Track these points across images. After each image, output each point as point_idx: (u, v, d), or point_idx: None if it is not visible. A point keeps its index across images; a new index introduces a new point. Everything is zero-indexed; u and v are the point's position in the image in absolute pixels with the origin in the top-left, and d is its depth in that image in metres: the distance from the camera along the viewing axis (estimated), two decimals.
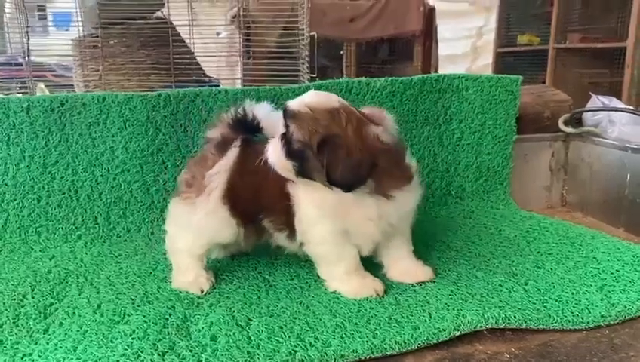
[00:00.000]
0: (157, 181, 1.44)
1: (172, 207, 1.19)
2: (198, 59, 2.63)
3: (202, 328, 0.95)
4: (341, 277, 1.09)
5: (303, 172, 1.02)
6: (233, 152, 1.15)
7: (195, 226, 1.14)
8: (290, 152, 1.01)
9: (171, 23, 2.50)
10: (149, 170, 1.43)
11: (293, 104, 1.02)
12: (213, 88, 1.45)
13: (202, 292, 1.09)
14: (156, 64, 2.38)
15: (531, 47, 4.47)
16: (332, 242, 1.07)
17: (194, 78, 2.47)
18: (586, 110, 1.63)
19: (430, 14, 3.91)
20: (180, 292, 1.09)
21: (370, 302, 1.03)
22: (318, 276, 1.16)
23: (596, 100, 1.64)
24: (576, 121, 1.67)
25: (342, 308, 1.01)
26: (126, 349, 0.87)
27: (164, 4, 2.47)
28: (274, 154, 1.04)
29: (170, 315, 0.99)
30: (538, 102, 1.72)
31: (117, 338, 0.91)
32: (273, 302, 1.05)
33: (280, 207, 1.10)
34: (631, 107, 1.54)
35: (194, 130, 1.44)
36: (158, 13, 2.54)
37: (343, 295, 1.07)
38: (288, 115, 1.02)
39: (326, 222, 1.06)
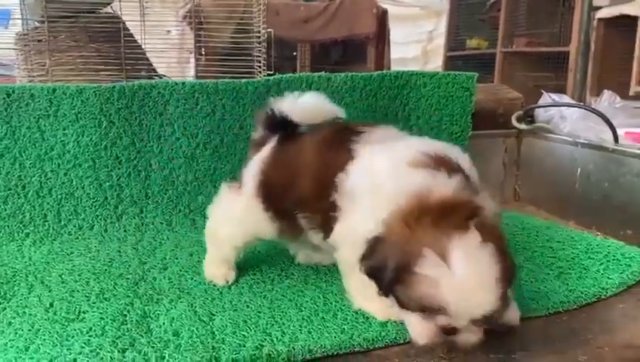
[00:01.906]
0: (110, 176, 1.39)
1: (220, 194, 1.15)
2: (149, 56, 2.57)
3: (163, 324, 0.91)
4: (373, 296, 0.90)
5: None
6: (267, 147, 1.11)
7: (234, 219, 1.10)
8: None
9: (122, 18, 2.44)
10: (102, 164, 1.38)
11: None
12: (170, 81, 1.41)
13: (228, 282, 1.08)
14: (106, 59, 2.30)
15: (479, 50, 4.61)
16: None
17: (144, 74, 2.41)
18: (539, 106, 1.68)
19: (383, 17, 3.96)
20: (138, 288, 1.05)
21: (335, 294, 1.02)
22: (281, 270, 1.15)
23: (547, 98, 1.70)
24: (529, 118, 1.72)
25: (307, 301, 1.00)
26: (83, 347, 0.83)
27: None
28: None
29: (128, 312, 0.95)
30: (491, 99, 1.76)
31: (72, 337, 0.86)
32: (236, 296, 1.02)
33: (318, 209, 0.99)
34: (581, 103, 1.60)
35: (149, 124, 1.39)
36: (108, 9, 2.47)
37: (371, 315, 0.94)
38: None
39: None
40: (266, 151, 1.10)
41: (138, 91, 1.38)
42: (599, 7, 3.48)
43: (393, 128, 1.03)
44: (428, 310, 0.78)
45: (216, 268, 1.12)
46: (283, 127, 1.12)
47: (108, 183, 1.39)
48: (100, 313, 0.94)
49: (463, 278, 0.74)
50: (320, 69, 1.66)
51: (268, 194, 1.06)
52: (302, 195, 1.02)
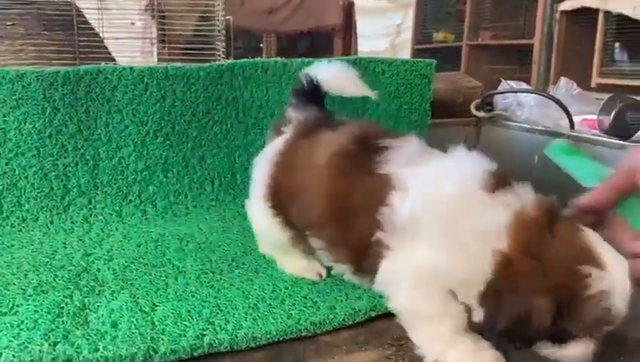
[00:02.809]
0: (56, 166, 1.33)
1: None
2: (110, 48, 2.51)
3: (102, 315, 0.87)
4: (449, 339, 0.79)
5: None
6: (281, 138, 1.00)
7: (257, 230, 1.09)
8: None
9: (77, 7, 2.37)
10: (46, 153, 1.32)
11: None
12: (118, 65, 1.36)
13: (321, 277, 1.00)
14: (60, 47, 2.23)
15: (446, 44, 4.63)
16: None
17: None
18: (495, 93, 1.68)
19: (349, 8, 3.94)
20: (80, 280, 1.00)
21: (286, 281, 1.00)
22: (232, 260, 1.11)
23: (505, 85, 1.70)
24: (488, 106, 1.71)
25: (255, 289, 0.97)
26: (11, 341, 0.78)
27: None
28: None
29: (66, 304, 0.90)
30: (451, 88, 1.76)
31: (1, 331, 0.81)
32: (182, 287, 0.98)
33: (345, 244, 0.88)
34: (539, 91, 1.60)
35: (97, 111, 1.34)
36: None
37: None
38: None
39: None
40: (278, 145, 1.00)
41: (84, 76, 1.32)
42: (562, 0, 3.52)
43: (415, 138, 0.92)
44: (602, 325, 0.71)
45: (292, 265, 1.03)
46: (312, 97, 1.07)
47: (53, 173, 1.33)
48: (35, 306, 0.89)
49: (622, 277, 0.70)
50: None
51: (276, 200, 0.97)
52: (313, 218, 0.92)
